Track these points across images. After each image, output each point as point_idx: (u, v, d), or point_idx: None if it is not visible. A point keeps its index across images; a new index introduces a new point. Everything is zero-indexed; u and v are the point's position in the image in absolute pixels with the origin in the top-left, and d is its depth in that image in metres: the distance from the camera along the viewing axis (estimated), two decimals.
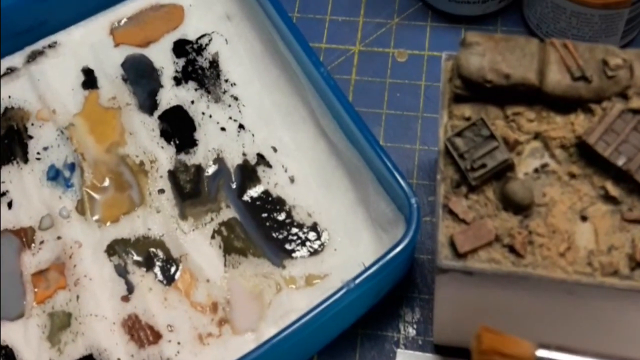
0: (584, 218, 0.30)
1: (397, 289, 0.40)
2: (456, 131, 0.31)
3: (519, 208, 0.30)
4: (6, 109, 0.46)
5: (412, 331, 0.39)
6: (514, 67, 0.31)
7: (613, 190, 0.30)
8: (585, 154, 0.31)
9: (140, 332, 0.39)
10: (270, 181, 0.43)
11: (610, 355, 0.28)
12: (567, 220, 0.30)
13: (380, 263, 0.35)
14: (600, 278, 0.29)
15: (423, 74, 0.47)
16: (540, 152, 0.31)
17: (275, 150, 0.44)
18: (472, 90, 0.32)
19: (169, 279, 0.40)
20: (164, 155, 0.44)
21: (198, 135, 0.45)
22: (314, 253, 0.41)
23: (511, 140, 0.31)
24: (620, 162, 0.30)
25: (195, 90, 0.46)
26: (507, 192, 0.30)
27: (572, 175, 0.31)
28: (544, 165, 0.31)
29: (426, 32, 0.48)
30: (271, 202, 0.42)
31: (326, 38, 0.49)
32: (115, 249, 0.41)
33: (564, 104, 0.31)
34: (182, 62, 0.47)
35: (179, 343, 0.39)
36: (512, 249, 0.29)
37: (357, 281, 0.35)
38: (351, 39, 0.49)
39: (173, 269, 0.41)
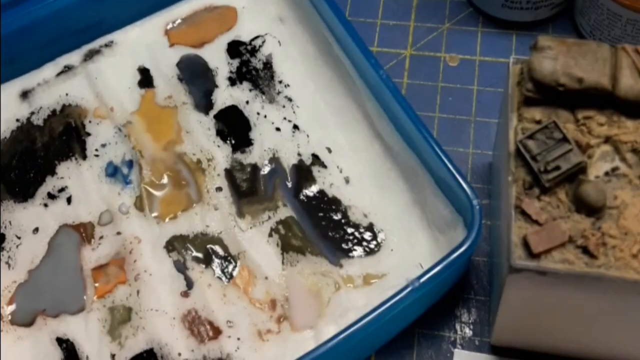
0: None
1: (454, 290, 0.41)
2: (528, 133, 0.32)
3: (592, 210, 0.30)
4: (64, 106, 0.47)
5: (468, 332, 0.40)
6: (587, 72, 0.32)
7: None
8: None
9: (200, 327, 0.40)
10: (326, 181, 0.43)
11: None
12: (639, 222, 0.30)
13: (444, 263, 0.35)
14: None
15: (475, 79, 0.47)
16: (610, 155, 0.32)
17: (330, 151, 0.44)
18: (544, 93, 0.32)
19: (228, 276, 0.41)
20: (221, 154, 0.45)
21: (253, 134, 0.45)
22: (371, 253, 0.41)
23: (583, 144, 0.32)
24: None
25: (250, 90, 0.47)
26: (580, 193, 0.30)
27: None
28: (615, 169, 0.31)
29: (477, 37, 0.49)
30: (327, 202, 0.43)
31: (377, 42, 0.49)
32: (174, 245, 0.42)
33: (636, 109, 0.32)
34: (236, 62, 0.48)
35: (238, 339, 0.39)
36: (585, 250, 0.30)
37: (422, 280, 0.35)
38: (402, 42, 0.49)
39: (231, 266, 0.41)
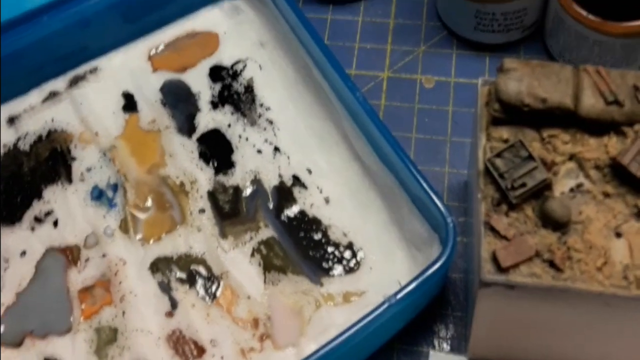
0: (618, 234, 0.32)
1: (431, 306, 0.42)
2: (496, 152, 0.33)
3: (558, 225, 0.32)
4: (50, 131, 0.48)
5: (446, 346, 0.41)
6: (550, 92, 0.33)
7: None
8: (619, 174, 0.32)
9: (185, 346, 0.41)
10: (306, 202, 0.45)
11: None
12: (603, 236, 0.31)
13: (420, 279, 0.37)
14: (635, 291, 0.30)
15: (450, 100, 0.49)
16: (575, 172, 0.33)
17: (310, 172, 0.46)
18: (510, 113, 0.34)
19: (211, 296, 0.42)
20: (203, 177, 0.46)
21: (235, 157, 0.46)
22: (350, 271, 0.42)
23: (548, 161, 0.33)
24: None
25: (232, 114, 0.48)
26: (546, 209, 0.32)
27: (606, 195, 0.32)
28: (579, 185, 0.33)
29: (452, 59, 0.50)
30: (307, 222, 0.44)
31: (355, 65, 0.51)
32: (158, 266, 0.43)
33: (598, 127, 0.33)
34: (218, 87, 0.49)
35: (222, 357, 0.40)
36: (552, 264, 0.31)
37: (398, 297, 0.36)
38: (380, 65, 0.51)
39: (215, 286, 0.42)
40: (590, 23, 0.43)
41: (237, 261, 0.43)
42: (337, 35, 0.52)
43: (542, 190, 0.32)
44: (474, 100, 0.47)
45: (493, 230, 0.32)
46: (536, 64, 0.34)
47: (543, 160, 0.33)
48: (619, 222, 0.32)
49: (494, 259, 0.31)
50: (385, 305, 0.36)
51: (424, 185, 0.39)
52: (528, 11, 0.47)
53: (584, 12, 0.44)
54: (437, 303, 0.42)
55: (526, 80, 0.33)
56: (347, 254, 0.43)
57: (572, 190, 0.33)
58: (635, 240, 0.31)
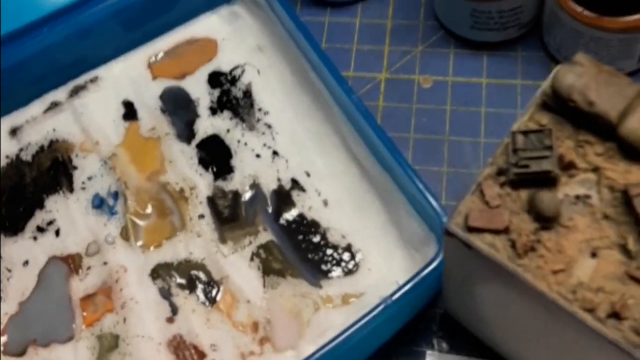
0: (593, 255, 0.31)
1: (429, 305, 0.42)
2: (524, 129, 0.33)
3: (540, 217, 0.31)
4: (51, 141, 0.49)
5: (444, 346, 0.41)
6: (601, 99, 0.32)
7: (632, 245, 0.31)
8: (626, 204, 0.32)
9: (186, 351, 0.41)
10: (305, 205, 0.45)
11: None
12: (578, 249, 0.31)
13: (416, 280, 0.37)
14: (575, 308, 0.30)
15: (448, 99, 0.49)
16: (590, 183, 0.32)
17: (308, 175, 0.46)
18: (558, 103, 0.33)
19: (211, 300, 0.42)
20: (203, 182, 0.46)
21: (234, 162, 0.47)
22: (349, 273, 0.42)
23: (566, 160, 0.32)
24: None
25: (230, 119, 0.48)
26: (535, 197, 0.31)
27: (606, 216, 0.31)
28: (587, 196, 0.32)
29: (449, 58, 0.50)
30: (306, 225, 0.44)
31: (354, 67, 0.51)
32: (159, 272, 0.43)
33: (633, 152, 0.32)
34: (217, 92, 0.49)
35: None
36: (513, 245, 0.31)
37: (394, 297, 0.36)
38: (377, 67, 0.51)
39: (215, 291, 0.43)
40: (586, 19, 0.43)
41: (237, 266, 0.43)
42: (334, 37, 0.52)
43: (546, 182, 0.32)
44: (472, 99, 0.48)
45: (481, 193, 0.32)
46: (606, 70, 0.33)
47: (563, 157, 0.32)
48: (601, 245, 0.31)
49: (466, 217, 0.32)
50: (382, 306, 0.37)
51: (420, 185, 0.39)
52: (524, 9, 0.47)
53: (579, 9, 0.43)
54: (435, 302, 0.42)
55: (585, 78, 0.33)
56: (346, 255, 0.43)
57: (577, 197, 0.32)
58: (605, 267, 0.30)
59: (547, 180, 0.32)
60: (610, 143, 0.33)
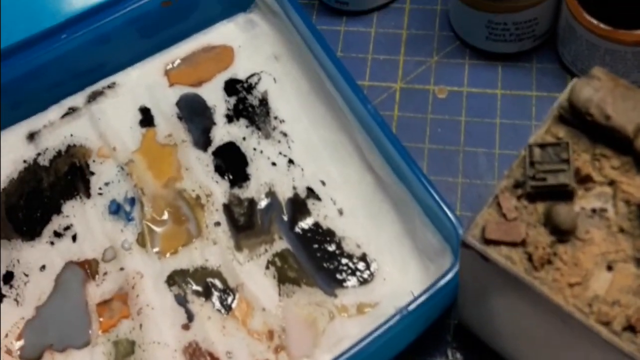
0: (609, 268, 0.31)
1: (444, 316, 0.42)
2: (541, 142, 0.33)
3: (556, 230, 0.31)
4: (69, 146, 0.49)
5: (459, 357, 0.41)
6: (618, 113, 0.32)
7: None
8: None
9: (201, 358, 0.41)
10: (320, 213, 0.45)
11: None
12: (594, 262, 0.31)
13: (432, 291, 0.37)
14: (591, 322, 0.30)
15: (463, 110, 0.49)
16: (606, 197, 0.32)
17: (324, 184, 0.46)
18: (575, 117, 0.33)
19: (227, 308, 0.43)
20: (219, 190, 0.46)
21: (250, 170, 0.47)
22: (364, 282, 0.43)
23: (583, 173, 0.32)
24: None
25: (247, 127, 0.49)
26: (551, 210, 0.32)
27: (621, 230, 0.32)
28: (603, 210, 0.32)
29: (464, 69, 0.50)
30: (321, 234, 0.44)
31: (369, 76, 0.51)
32: (175, 279, 0.44)
33: None
34: (233, 100, 0.50)
35: None
36: (530, 258, 0.31)
37: (410, 308, 0.37)
38: (392, 76, 0.51)
39: (230, 298, 0.43)
40: (601, 32, 0.43)
41: (252, 273, 0.43)
42: (350, 46, 0.52)
43: (562, 195, 0.32)
44: (487, 110, 0.48)
45: (498, 205, 0.32)
46: (624, 85, 0.33)
47: (580, 170, 0.33)
48: (617, 258, 0.31)
49: (483, 229, 0.32)
50: (398, 317, 0.37)
51: (435, 196, 0.40)
52: (539, 20, 0.47)
53: (594, 21, 0.44)
54: (449, 313, 0.42)
55: (602, 92, 0.33)
56: (361, 265, 0.43)
57: (593, 210, 0.32)
58: (621, 281, 0.31)
59: (564, 194, 0.32)
60: (626, 157, 0.33)
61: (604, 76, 0.34)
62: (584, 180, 0.33)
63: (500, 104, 0.49)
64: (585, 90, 0.33)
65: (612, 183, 0.33)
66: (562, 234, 0.32)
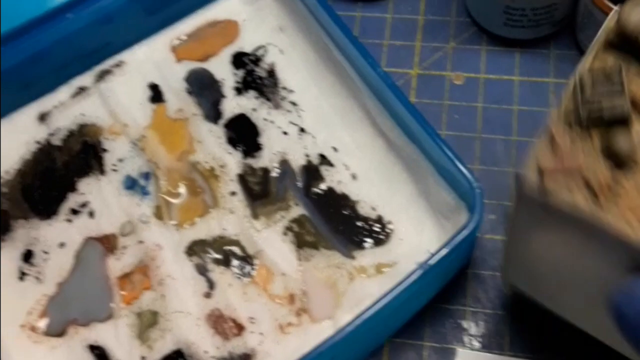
0: None
1: (461, 303, 0.42)
2: (589, 67, 0.32)
3: (614, 156, 0.30)
4: (80, 125, 0.49)
5: (476, 344, 0.41)
6: None
7: None
8: None
9: (224, 325, 0.42)
10: (334, 179, 0.45)
11: None
12: None
13: (451, 245, 0.37)
14: None
15: (479, 96, 0.49)
16: None
17: (336, 150, 0.46)
18: (624, 41, 0.32)
19: (247, 275, 0.43)
20: (232, 160, 0.47)
21: (262, 140, 0.47)
22: (381, 243, 0.43)
23: (638, 98, 0.31)
24: None
25: (256, 98, 0.49)
26: (608, 136, 0.30)
27: None
28: None
29: (481, 55, 0.50)
30: (336, 199, 0.45)
31: (385, 62, 0.51)
32: (194, 249, 0.44)
33: None
34: (241, 73, 0.50)
35: (261, 333, 0.41)
36: (589, 186, 0.30)
37: (430, 262, 0.37)
38: (409, 62, 0.51)
39: (250, 265, 0.43)
40: None
41: (270, 240, 0.44)
42: (366, 32, 0.52)
43: (618, 121, 0.31)
44: (504, 97, 0.48)
45: (551, 136, 0.31)
46: None
47: (634, 95, 0.31)
48: None
49: (537, 160, 0.30)
50: (419, 272, 0.37)
51: (448, 153, 0.40)
52: (558, 6, 0.47)
53: (613, 6, 0.43)
54: (467, 299, 0.42)
55: None
56: (377, 227, 0.44)
57: None
58: None
59: (619, 119, 0.31)
60: None
61: None
62: (637, 104, 0.31)
63: (518, 90, 0.48)
64: (634, 13, 0.31)
65: None
66: (620, 159, 0.30)
